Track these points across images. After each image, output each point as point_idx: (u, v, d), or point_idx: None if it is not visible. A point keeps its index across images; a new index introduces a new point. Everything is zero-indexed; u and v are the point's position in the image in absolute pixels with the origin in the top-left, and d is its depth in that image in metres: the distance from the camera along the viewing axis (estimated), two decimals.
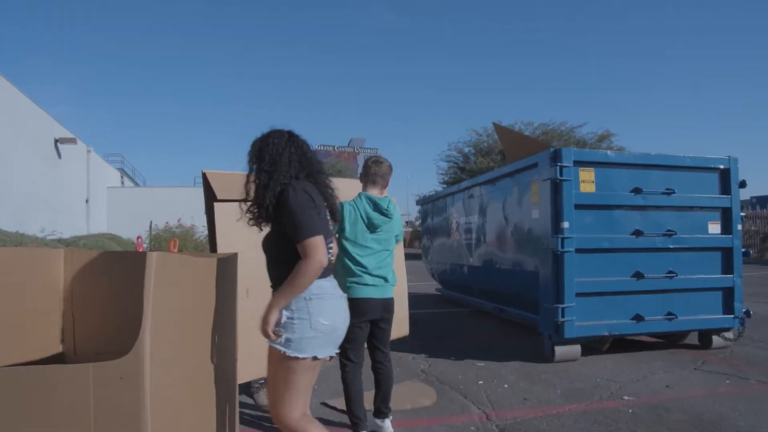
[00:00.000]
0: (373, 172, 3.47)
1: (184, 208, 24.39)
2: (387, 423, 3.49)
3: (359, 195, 3.44)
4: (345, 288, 3.12)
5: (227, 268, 2.69)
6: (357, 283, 3.30)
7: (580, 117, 72.08)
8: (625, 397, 4.28)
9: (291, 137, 2.40)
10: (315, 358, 2.25)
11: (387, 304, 3.43)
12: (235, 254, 2.86)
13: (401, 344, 6.26)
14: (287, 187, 2.24)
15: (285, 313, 2.21)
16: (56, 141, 19.99)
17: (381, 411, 3.49)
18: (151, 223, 18.78)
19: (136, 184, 36.74)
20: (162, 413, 1.81)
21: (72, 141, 20.76)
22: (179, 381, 2.05)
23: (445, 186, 26.83)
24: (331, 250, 2.38)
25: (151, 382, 1.74)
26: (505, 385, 4.64)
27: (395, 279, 3.51)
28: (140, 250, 6.93)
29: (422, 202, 9.60)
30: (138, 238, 7.39)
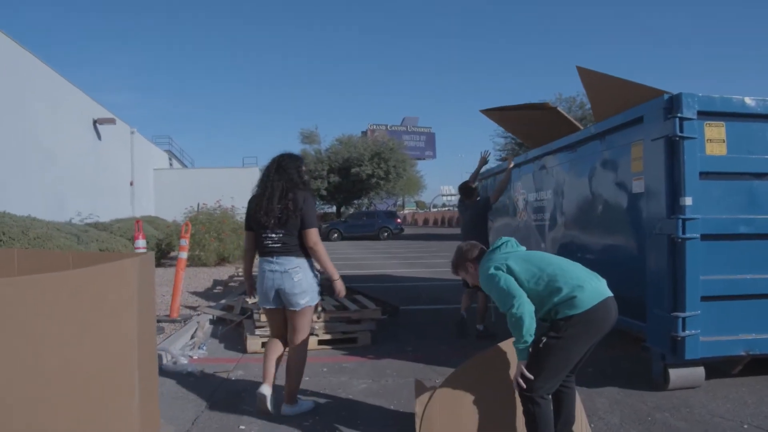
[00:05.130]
0: None
1: (232, 189, 23.57)
2: None
3: None
4: None
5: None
6: None
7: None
8: None
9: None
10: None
11: None
12: (146, 256, 1.66)
13: (444, 354, 4.86)
14: None
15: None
16: (95, 122, 19.44)
17: None
18: (198, 204, 17.88)
19: (184, 166, 36.43)
20: None
21: (111, 121, 20.16)
22: None
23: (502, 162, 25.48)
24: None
25: None
26: None
27: None
28: (140, 237, 5.82)
29: (481, 176, 8.13)
30: (137, 222, 6.24)
